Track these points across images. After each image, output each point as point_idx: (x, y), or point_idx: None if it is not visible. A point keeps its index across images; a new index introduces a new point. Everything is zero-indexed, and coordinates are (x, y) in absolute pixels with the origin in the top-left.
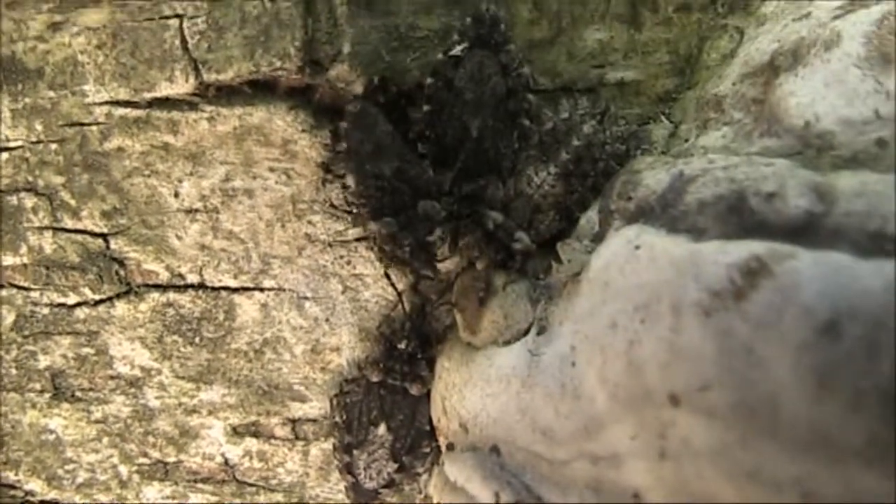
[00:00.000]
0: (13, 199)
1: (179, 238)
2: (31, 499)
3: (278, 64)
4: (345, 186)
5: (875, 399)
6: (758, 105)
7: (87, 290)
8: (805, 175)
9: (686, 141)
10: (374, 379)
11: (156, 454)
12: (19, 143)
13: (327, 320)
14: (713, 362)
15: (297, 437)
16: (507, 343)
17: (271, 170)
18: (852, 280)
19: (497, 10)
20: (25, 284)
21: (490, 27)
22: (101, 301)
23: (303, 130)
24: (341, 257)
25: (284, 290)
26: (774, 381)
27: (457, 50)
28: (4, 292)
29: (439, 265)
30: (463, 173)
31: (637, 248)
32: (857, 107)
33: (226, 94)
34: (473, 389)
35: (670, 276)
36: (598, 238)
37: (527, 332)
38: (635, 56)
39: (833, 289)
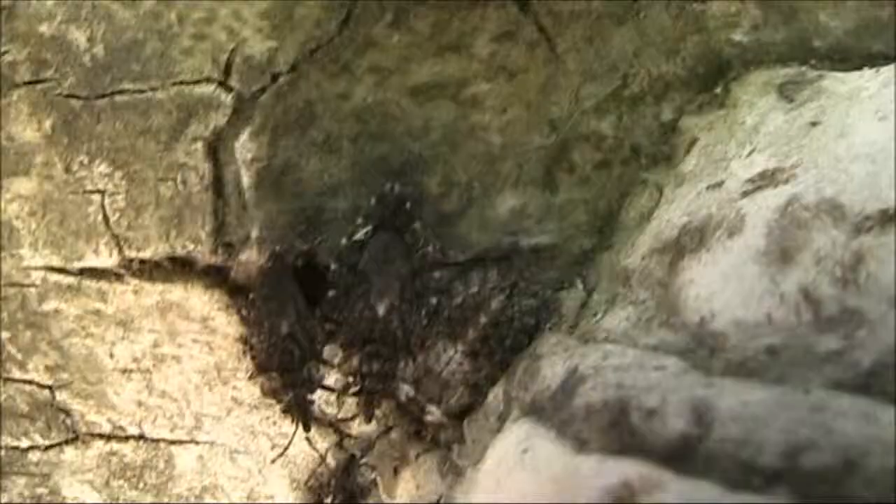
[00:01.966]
0: None
1: (118, 394)
2: None
3: (191, 247)
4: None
5: None
6: (662, 288)
7: (37, 436)
8: (690, 385)
9: (595, 315)
10: None
11: None
12: None
13: (259, 472)
14: None
15: None
16: None
17: (194, 341)
18: None
19: (403, 189)
20: None
21: (394, 208)
22: (51, 446)
23: (219, 309)
24: (267, 418)
25: (217, 444)
26: None
27: (360, 234)
28: None
29: (358, 428)
30: (373, 353)
31: (525, 451)
32: (751, 308)
33: (148, 269)
34: None
35: (549, 492)
36: (503, 418)
37: None
38: (551, 220)
39: None
